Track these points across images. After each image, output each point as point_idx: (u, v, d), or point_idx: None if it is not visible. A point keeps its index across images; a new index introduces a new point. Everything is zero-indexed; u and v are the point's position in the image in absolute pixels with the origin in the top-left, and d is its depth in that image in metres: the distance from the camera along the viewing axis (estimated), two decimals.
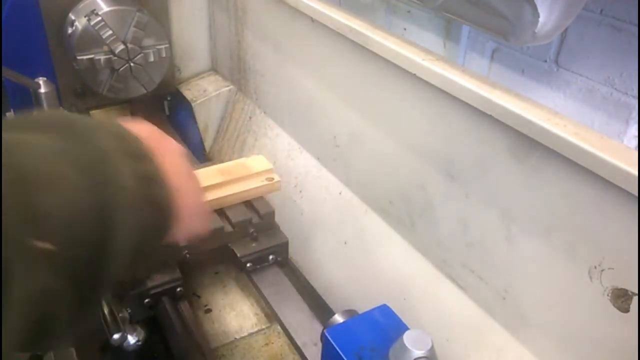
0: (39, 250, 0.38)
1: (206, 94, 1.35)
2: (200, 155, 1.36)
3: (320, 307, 0.84)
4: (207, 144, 1.37)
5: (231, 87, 1.34)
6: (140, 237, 0.45)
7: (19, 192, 0.38)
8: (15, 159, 0.39)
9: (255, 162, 0.93)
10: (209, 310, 0.89)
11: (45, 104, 0.96)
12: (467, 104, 0.68)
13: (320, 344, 0.68)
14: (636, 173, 0.52)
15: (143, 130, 0.51)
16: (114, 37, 1.13)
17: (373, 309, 0.62)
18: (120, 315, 0.75)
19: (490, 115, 0.65)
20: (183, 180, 0.52)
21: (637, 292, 0.56)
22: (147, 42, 1.18)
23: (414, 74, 0.75)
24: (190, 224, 0.52)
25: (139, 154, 0.47)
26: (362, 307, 0.65)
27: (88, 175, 0.42)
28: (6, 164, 0.38)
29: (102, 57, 1.13)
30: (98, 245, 0.42)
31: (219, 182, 0.87)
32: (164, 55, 1.21)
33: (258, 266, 0.87)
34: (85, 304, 0.42)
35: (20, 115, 0.48)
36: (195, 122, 1.35)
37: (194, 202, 0.54)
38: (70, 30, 1.14)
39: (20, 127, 0.44)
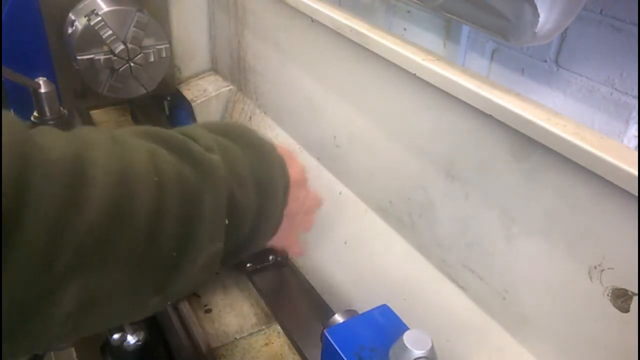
0: (224, 217, 0.54)
1: (206, 94, 1.35)
2: None
3: (320, 307, 0.83)
4: None
5: (231, 87, 1.35)
6: (263, 241, 0.66)
7: (229, 181, 0.55)
8: (228, 157, 0.57)
9: None
10: (209, 310, 0.89)
11: (45, 104, 0.96)
12: (467, 104, 0.68)
13: (320, 344, 0.68)
14: (636, 173, 0.52)
15: (285, 154, 0.70)
16: (114, 37, 1.13)
17: (373, 309, 0.62)
18: None
19: (490, 115, 0.65)
20: (297, 177, 0.73)
21: (637, 292, 0.56)
22: (147, 42, 1.18)
23: (414, 74, 0.75)
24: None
25: (286, 189, 0.67)
26: (362, 307, 0.65)
27: (260, 190, 0.60)
28: (225, 158, 0.55)
29: (102, 57, 1.13)
30: (248, 234, 0.60)
31: None
32: (164, 55, 1.21)
33: (258, 266, 0.87)
34: (225, 263, 0.58)
35: (221, 126, 0.63)
36: (196, 122, 1.35)
37: (301, 191, 0.76)
38: (70, 30, 1.14)
39: (226, 134, 0.61)
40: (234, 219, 0.54)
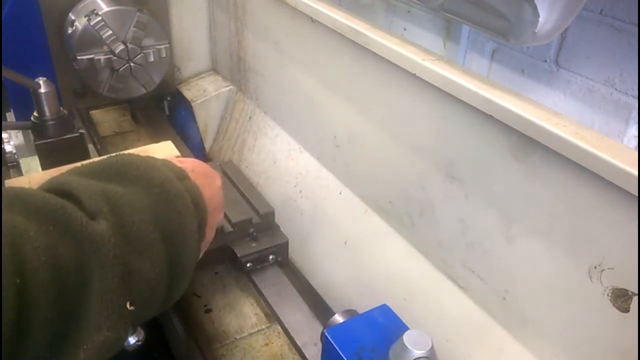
0: (126, 310, 0.45)
1: (206, 94, 1.35)
2: (200, 155, 1.36)
3: (320, 307, 0.84)
4: (207, 144, 1.37)
5: (231, 87, 1.34)
6: (186, 283, 0.55)
7: (124, 253, 0.45)
8: (123, 217, 0.46)
9: (160, 150, 0.89)
10: (209, 310, 0.89)
11: (45, 104, 0.96)
12: (467, 104, 0.68)
13: (320, 344, 0.68)
14: (636, 173, 0.52)
15: (199, 172, 0.61)
16: (114, 37, 1.13)
17: (373, 309, 0.62)
18: None
19: (491, 115, 0.65)
20: (215, 203, 0.62)
21: (637, 292, 0.56)
22: (147, 42, 1.18)
23: (414, 74, 0.75)
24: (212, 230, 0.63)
25: (202, 224, 0.56)
26: (362, 307, 0.65)
27: (170, 245, 0.50)
28: (117, 221, 0.45)
29: (102, 57, 1.13)
30: (160, 300, 0.51)
31: None
32: (164, 55, 1.21)
33: (258, 266, 0.87)
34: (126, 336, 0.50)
35: (117, 164, 0.53)
36: (195, 122, 1.35)
37: (219, 216, 0.66)
38: (70, 30, 1.14)
39: (118, 176, 0.51)
40: (139, 294, 0.47)
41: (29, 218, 0.41)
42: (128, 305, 0.45)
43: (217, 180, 0.66)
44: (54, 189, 0.46)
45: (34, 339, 0.39)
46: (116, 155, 0.55)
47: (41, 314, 0.39)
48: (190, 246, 0.53)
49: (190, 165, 0.62)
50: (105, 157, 0.55)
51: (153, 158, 0.56)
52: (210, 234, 0.61)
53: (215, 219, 0.63)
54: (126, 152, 0.58)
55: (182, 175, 0.56)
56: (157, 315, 0.85)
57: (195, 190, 0.56)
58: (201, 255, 0.60)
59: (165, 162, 0.56)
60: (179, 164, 0.58)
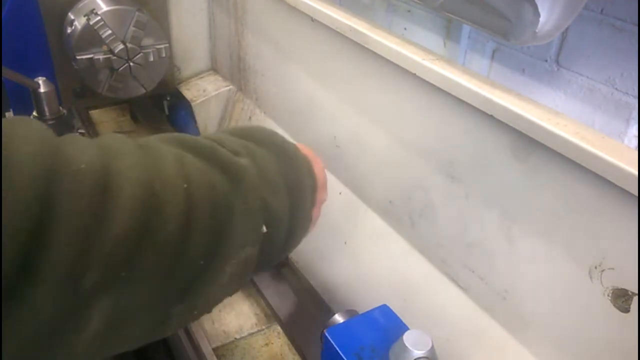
0: (259, 226, 0.52)
1: (206, 94, 1.35)
2: None
3: (320, 307, 0.83)
4: None
5: (231, 87, 1.34)
6: (302, 234, 0.64)
7: (261, 187, 0.53)
8: (257, 161, 0.55)
9: None
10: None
11: (44, 104, 0.96)
12: (467, 103, 0.68)
13: (320, 344, 0.68)
14: (636, 173, 0.52)
15: (308, 153, 0.68)
16: (114, 36, 1.13)
17: (373, 309, 0.62)
18: None
19: (491, 115, 0.65)
20: (322, 180, 0.69)
21: (637, 292, 0.56)
22: (147, 41, 1.18)
23: (414, 74, 0.75)
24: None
25: (314, 188, 0.64)
26: (362, 307, 0.65)
27: (292, 195, 0.58)
28: (254, 162, 0.54)
29: (102, 57, 1.13)
30: (284, 240, 0.58)
31: None
32: (163, 55, 1.21)
33: None
34: (262, 270, 0.65)
35: (241, 129, 0.62)
36: (195, 122, 1.35)
37: (324, 194, 0.72)
38: (69, 30, 1.13)
39: (248, 137, 0.59)
40: (269, 226, 0.53)
41: (186, 150, 0.48)
42: (264, 228, 0.52)
43: (321, 162, 0.72)
44: (200, 137, 0.54)
45: (195, 244, 0.44)
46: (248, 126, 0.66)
47: (201, 222, 0.44)
48: (306, 202, 0.61)
49: (301, 146, 0.70)
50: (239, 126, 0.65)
51: (274, 131, 0.66)
52: (318, 208, 0.67)
53: (322, 196, 0.68)
54: None
55: (294, 144, 0.66)
56: None
57: (308, 159, 0.65)
58: (313, 226, 0.67)
59: (281, 136, 0.65)
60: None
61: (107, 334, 0.41)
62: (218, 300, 0.51)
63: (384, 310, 0.62)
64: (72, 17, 1.14)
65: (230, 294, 0.53)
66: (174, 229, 0.42)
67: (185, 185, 0.43)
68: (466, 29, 1.03)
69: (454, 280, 0.79)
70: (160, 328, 0.48)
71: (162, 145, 0.47)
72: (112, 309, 0.40)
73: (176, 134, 0.52)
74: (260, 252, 0.52)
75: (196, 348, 0.78)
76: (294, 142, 0.67)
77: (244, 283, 0.54)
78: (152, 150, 0.45)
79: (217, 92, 1.35)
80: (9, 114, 1.25)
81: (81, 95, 1.24)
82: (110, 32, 1.12)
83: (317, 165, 0.68)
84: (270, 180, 0.55)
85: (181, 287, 0.45)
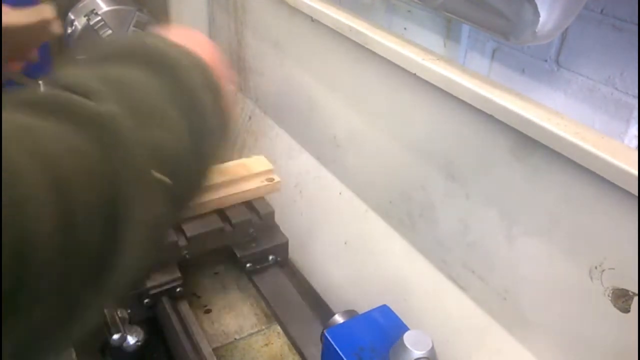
0: (156, 180, 0.41)
1: None
2: None
3: (320, 307, 0.83)
4: None
5: (231, 87, 1.34)
6: (218, 155, 0.52)
7: (138, 124, 0.41)
8: (127, 94, 0.43)
9: (256, 163, 0.92)
10: (208, 311, 0.89)
11: None
12: (467, 103, 0.68)
13: (320, 344, 0.68)
14: (636, 173, 0.52)
15: (188, 40, 0.55)
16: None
17: (373, 310, 0.62)
18: (119, 315, 0.75)
19: (491, 115, 0.65)
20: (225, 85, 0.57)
21: (637, 292, 0.56)
22: None
23: (414, 74, 0.74)
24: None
25: (214, 88, 0.52)
26: (362, 307, 0.65)
27: (185, 115, 0.46)
28: (123, 99, 0.42)
29: None
30: (194, 176, 0.48)
31: (219, 182, 0.87)
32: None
33: (258, 266, 0.87)
34: (180, 214, 0.48)
35: (103, 44, 0.49)
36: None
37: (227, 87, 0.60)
38: (69, 30, 1.14)
39: (109, 59, 0.47)
40: (170, 170, 0.44)
41: (32, 114, 0.37)
42: (166, 179, 0.43)
43: (206, 41, 0.60)
44: (48, 87, 0.43)
45: (84, 233, 0.36)
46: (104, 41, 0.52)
47: (82, 205, 0.36)
48: (207, 112, 0.50)
49: (181, 36, 0.57)
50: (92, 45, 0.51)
51: (139, 36, 0.53)
52: (229, 100, 0.57)
53: (225, 81, 0.58)
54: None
55: (172, 43, 0.53)
56: (157, 315, 0.85)
57: (193, 55, 0.53)
58: (231, 120, 0.57)
59: (153, 35, 0.53)
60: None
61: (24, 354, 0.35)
62: (139, 268, 0.43)
63: (384, 310, 0.62)
64: (72, 17, 1.15)
65: (150, 259, 0.44)
66: (50, 230, 0.33)
67: (41, 167, 0.33)
68: (466, 28, 1.03)
69: (454, 280, 0.79)
70: (71, 322, 0.39)
71: (3, 120, 0.35)
72: (14, 338, 0.34)
73: (20, 94, 0.39)
74: (173, 200, 0.44)
75: (196, 348, 0.78)
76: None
77: (162, 243, 0.46)
78: None
79: None
80: None
81: None
82: (110, 32, 1.12)
83: (203, 48, 0.57)
84: (151, 112, 0.44)
85: (85, 279, 0.38)
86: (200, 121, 0.48)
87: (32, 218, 0.32)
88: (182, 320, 0.81)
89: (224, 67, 0.59)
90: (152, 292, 0.80)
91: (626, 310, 0.57)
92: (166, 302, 0.82)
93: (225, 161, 0.94)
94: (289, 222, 0.96)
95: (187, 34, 0.58)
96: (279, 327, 0.84)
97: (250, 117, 1.26)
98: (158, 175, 0.42)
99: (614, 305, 0.58)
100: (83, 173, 0.36)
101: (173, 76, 0.48)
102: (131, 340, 0.76)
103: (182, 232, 0.82)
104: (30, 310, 0.34)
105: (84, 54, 0.48)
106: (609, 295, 0.58)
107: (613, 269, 0.58)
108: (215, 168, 0.53)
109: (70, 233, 0.35)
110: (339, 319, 0.65)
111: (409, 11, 1.13)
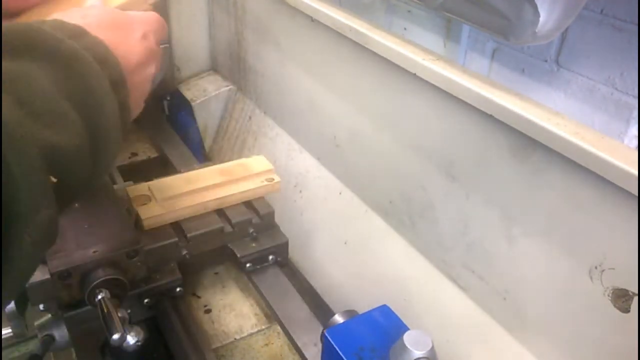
0: (44, 180, 0.41)
1: (206, 94, 1.35)
2: (200, 155, 1.36)
3: (320, 307, 0.83)
4: (207, 143, 1.37)
5: (231, 87, 1.34)
6: (115, 150, 0.51)
7: (34, 129, 0.40)
8: (19, 92, 0.41)
9: (256, 163, 0.92)
10: (208, 311, 0.89)
11: None
12: (467, 103, 0.68)
13: (320, 344, 0.68)
14: (636, 173, 0.52)
15: (107, 24, 0.54)
16: None
17: (373, 310, 0.62)
18: (119, 315, 0.75)
19: (491, 115, 0.65)
20: (137, 58, 0.56)
21: (637, 292, 0.56)
22: None
23: (414, 74, 0.74)
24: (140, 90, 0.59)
25: (117, 81, 0.50)
26: (362, 307, 0.65)
27: (82, 111, 0.45)
28: (16, 97, 0.40)
29: None
30: (88, 173, 0.46)
31: (219, 182, 0.87)
32: (163, 55, 1.20)
33: (258, 266, 0.87)
34: (64, 213, 0.46)
35: None
36: (195, 122, 1.35)
37: (143, 93, 0.60)
38: None
39: (3, 48, 0.43)
40: (63, 169, 0.43)
41: None
42: (52, 179, 0.41)
43: (136, 31, 0.58)
44: None
45: None
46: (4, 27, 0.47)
47: None
48: (107, 109, 0.48)
49: (96, 19, 0.54)
50: None
51: (39, 22, 0.48)
52: (139, 91, 0.56)
53: (142, 75, 0.57)
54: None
55: (76, 33, 0.49)
56: (157, 315, 0.85)
57: (99, 46, 0.50)
58: (135, 115, 0.56)
59: (54, 24, 0.49)
60: (76, 21, 0.51)
61: None
62: (29, 271, 0.42)
63: (384, 310, 0.62)
64: None
65: (42, 255, 0.44)
66: None
67: None
68: (466, 29, 1.03)
69: (454, 280, 0.79)
70: None
71: None
72: None
73: None
74: (64, 199, 0.44)
75: (196, 348, 0.78)
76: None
77: (54, 238, 0.44)
78: None
79: (217, 92, 1.35)
80: None
81: None
82: None
83: (128, 38, 0.56)
84: (43, 111, 0.42)
85: None
86: (98, 117, 0.47)
87: None
88: (182, 320, 0.81)
89: (145, 57, 0.57)
90: (152, 292, 0.80)
91: (626, 310, 0.57)
92: (166, 302, 0.82)
93: (225, 162, 0.94)
94: (289, 222, 0.96)
95: (103, 18, 0.56)
96: (279, 327, 0.84)
97: (250, 117, 1.26)
98: (51, 177, 0.41)
99: (614, 305, 0.58)
100: None
101: (70, 70, 0.46)
102: (131, 340, 0.76)
103: (182, 232, 0.82)
104: None
105: None
106: (609, 295, 0.58)
107: (613, 269, 0.58)
108: (112, 164, 0.52)
109: None
110: (339, 319, 0.65)
111: (409, 11, 1.13)
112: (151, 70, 0.60)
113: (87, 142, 0.45)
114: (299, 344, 0.76)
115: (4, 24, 0.46)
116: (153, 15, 0.62)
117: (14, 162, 0.37)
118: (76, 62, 0.46)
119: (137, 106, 0.58)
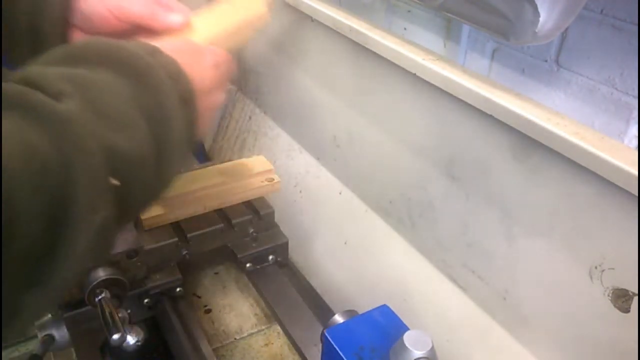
0: (108, 183, 0.42)
1: None
2: (200, 154, 1.36)
3: (320, 307, 0.83)
4: (207, 143, 1.37)
5: (231, 87, 1.34)
6: (179, 165, 0.53)
7: (101, 131, 0.42)
8: (92, 95, 0.43)
9: (256, 163, 0.92)
10: (208, 311, 0.89)
11: None
12: (467, 103, 0.68)
13: (320, 344, 0.68)
14: (636, 173, 0.52)
15: (182, 51, 0.57)
16: None
17: (373, 309, 0.62)
18: (119, 315, 0.75)
19: (491, 115, 0.65)
20: (207, 83, 0.59)
21: (637, 292, 0.56)
22: None
23: (414, 74, 0.74)
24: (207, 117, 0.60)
25: (188, 100, 0.53)
26: (362, 307, 0.65)
27: (150, 122, 0.47)
28: (87, 100, 0.42)
29: None
30: (151, 184, 0.48)
31: (219, 182, 0.87)
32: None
33: (258, 266, 0.87)
34: (131, 220, 0.48)
35: (73, 50, 0.48)
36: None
37: (210, 120, 0.62)
38: None
39: (79, 61, 0.47)
40: (125, 173, 0.44)
41: None
42: (114, 181, 0.42)
43: (208, 60, 0.61)
44: (12, 78, 0.43)
45: (26, 226, 0.36)
46: (78, 42, 0.52)
47: (25, 199, 0.36)
48: (174, 123, 0.50)
49: (171, 45, 0.57)
50: (65, 45, 0.51)
51: (120, 41, 0.52)
52: (205, 115, 0.58)
53: (210, 99, 0.59)
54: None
55: (152, 51, 0.52)
56: (157, 315, 0.85)
57: (173, 64, 0.53)
58: (198, 137, 0.58)
59: (134, 42, 0.53)
60: (155, 44, 0.54)
61: None
62: (78, 272, 0.43)
63: (384, 310, 0.62)
64: None
65: (95, 262, 0.45)
66: None
67: None
68: (466, 29, 1.03)
69: (454, 280, 0.79)
70: (12, 322, 0.39)
71: None
72: None
73: None
74: (123, 205, 0.44)
75: (196, 348, 0.78)
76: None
77: (110, 247, 0.45)
78: None
79: None
80: None
81: None
82: None
83: (200, 64, 0.59)
84: (113, 115, 0.44)
85: (24, 280, 0.38)
86: (166, 130, 0.49)
87: None
88: (182, 320, 0.81)
89: (214, 83, 0.60)
90: (153, 292, 0.80)
91: (626, 310, 0.57)
92: (166, 302, 0.82)
93: (226, 161, 0.94)
94: (289, 222, 0.96)
95: (179, 45, 0.60)
96: (279, 327, 0.84)
97: (250, 117, 1.26)
98: (112, 179, 0.42)
99: (614, 305, 0.58)
100: (30, 168, 0.36)
101: (143, 83, 0.48)
102: (131, 340, 0.76)
103: (182, 232, 0.82)
104: None
105: (60, 52, 0.48)
106: (609, 295, 0.58)
107: (613, 269, 0.58)
108: (176, 178, 0.53)
109: (9, 226, 0.34)
110: (339, 319, 0.65)
111: (409, 11, 1.13)
112: (219, 98, 0.62)
113: (152, 152, 0.47)
114: (299, 344, 0.76)
115: (88, 37, 0.51)
116: (224, 52, 0.65)
117: (76, 159, 0.39)
118: (149, 77, 0.49)
119: (202, 129, 0.60)
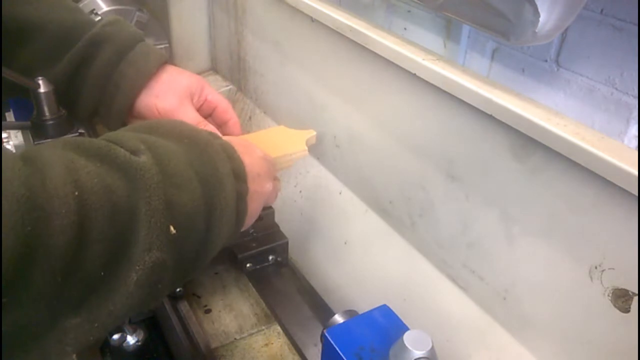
0: (166, 228, 0.48)
1: None
2: None
3: (320, 307, 0.83)
4: None
5: (231, 87, 1.34)
6: (225, 239, 0.58)
7: (165, 184, 0.49)
8: (159, 155, 0.51)
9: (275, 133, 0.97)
10: (208, 311, 0.89)
11: (44, 104, 0.96)
12: (467, 103, 0.68)
13: (320, 344, 0.68)
14: (636, 173, 0.52)
15: (236, 142, 0.65)
16: None
17: (373, 309, 0.62)
18: None
19: (491, 115, 0.65)
20: (257, 169, 0.66)
21: (637, 292, 0.56)
22: (147, 41, 1.18)
23: (414, 74, 0.74)
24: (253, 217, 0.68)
25: (239, 174, 0.60)
26: (362, 307, 0.65)
27: (203, 183, 0.54)
28: (157, 159, 0.50)
29: None
30: (202, 240, 0.54)
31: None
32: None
33: (258, 266, 0.87)
34: (183, 277, 0.54)
35: (147, 123, 0.59)
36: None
37: (259, 205, 0.69)
38: None
39: (152, 131, 0.56)
40: (178, 225, 0.49)
41: (78, 154, 0.45)
42: (172, 229, 0.49)
43: (259, 152, 0.69)
44: (97, 139, 0.52)
45: (92, 254, 0.42)
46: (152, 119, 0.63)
47: (98, 230, 0.42)
48: (225, 189, 0.56)
49: (226, 137, 0.67)
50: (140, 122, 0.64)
51: (185, 121, 0.63)
52: (255, 199, 0.64)
53: (259, 185, 0.66)
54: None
55: (211, 132, 0.63)
56: (157, 315, 0.85)
57: (227, 144, 0.61)
58: (250, 222, 0.66)
59: (196, 126, 0.63)
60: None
61: None
62: (126, 310, 0.46)
63: (384, 310, 0.62)
64: None
65: (143, 305, 0.48)
66: (64, 243, 0.39)
67: (76, 193, 0.41)
68: (466, 29, 1.03)
69: (454, 280, 0.79)
70: (56, 346, 0.43)
71: (52, 152, 0.44)
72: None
73: (71, 138, 0.49)
74: (175, 254, 0.49)
75: (196, 348, 0.78)
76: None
77: (158, 293, 0.50)
78: (36, 160, 0.41)
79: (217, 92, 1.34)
80: (9, 114, 1.25)
81: None
82: None
83: (251, 154, 0.66)
84: (174, 173, 0.51)
85: (76, 300, 0.43)
86: (217, 194, 0.55)
87: (52, 229, 0.38)
88: (182, 320, 0.81)
89: (264, 171, 0.67)
90: None
91: (626, 310, 0.57)
92: (166, 302, 0.82)
93: None
94: (289, 222, 0.96)
95: (234, 138, 0.70)
96: (278, 327, 0.84)
97: (250, 117, 1.26)
98: (171, 227, 0.49)
99: (614, 305, 0.58)
100: (106, 206, 0.43)
101: (201, 151, 0.56)
102: (131, 340, 0.76)
103: None
104: (13, 310, 0.38)
105: (135, 125, 0.59)
106: (609, 295, 0.58)
107: (613, 269, 0.58)
108: (220, 247, 0.58)
109: (78, 252, 0.40)
110: (339, 319, 0.65)
111: (409, 11, 1.13)
112: (267, 186, 0.69)
113: (202, 209, 0.53)
114: (299, 344, 0.76)
115: (163, 118, 0.67)
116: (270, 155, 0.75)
117: (144, 203, 0.46)
118: (207, 147, 0.58)
119: (252, 214, 0.66)
